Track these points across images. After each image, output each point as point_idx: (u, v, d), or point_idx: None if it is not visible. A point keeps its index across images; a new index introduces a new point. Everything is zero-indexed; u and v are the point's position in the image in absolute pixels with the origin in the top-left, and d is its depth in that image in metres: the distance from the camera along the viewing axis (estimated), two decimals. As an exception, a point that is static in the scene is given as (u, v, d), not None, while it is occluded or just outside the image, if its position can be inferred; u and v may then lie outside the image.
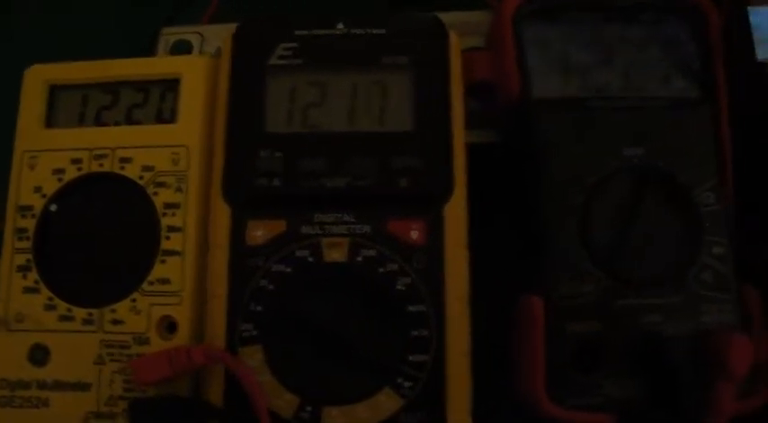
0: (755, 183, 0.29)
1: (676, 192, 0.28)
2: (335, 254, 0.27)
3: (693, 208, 0.28)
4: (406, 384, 0.26)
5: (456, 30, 0.30)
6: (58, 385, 0.28)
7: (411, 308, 0.27)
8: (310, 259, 0.27)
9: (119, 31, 0.37)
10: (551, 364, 0.26)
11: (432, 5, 0.30)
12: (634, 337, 0.27)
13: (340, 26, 0.29)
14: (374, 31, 0.29)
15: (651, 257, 0.27)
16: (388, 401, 0.26)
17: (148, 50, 0.34)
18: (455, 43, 0.29)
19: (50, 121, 0.30)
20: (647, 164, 0.28)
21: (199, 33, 0.33)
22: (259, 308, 0.27)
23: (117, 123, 0.30)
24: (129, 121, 0.30)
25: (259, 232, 0.28)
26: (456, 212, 0.28)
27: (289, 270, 0.27)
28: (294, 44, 0.29)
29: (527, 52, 0.29)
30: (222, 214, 0.28)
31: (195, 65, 0.30)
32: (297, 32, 0.29)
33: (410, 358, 0.26)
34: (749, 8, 0.30)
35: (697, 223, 0.28)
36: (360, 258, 0.27)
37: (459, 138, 0.28)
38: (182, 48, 0.33)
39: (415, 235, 0.27)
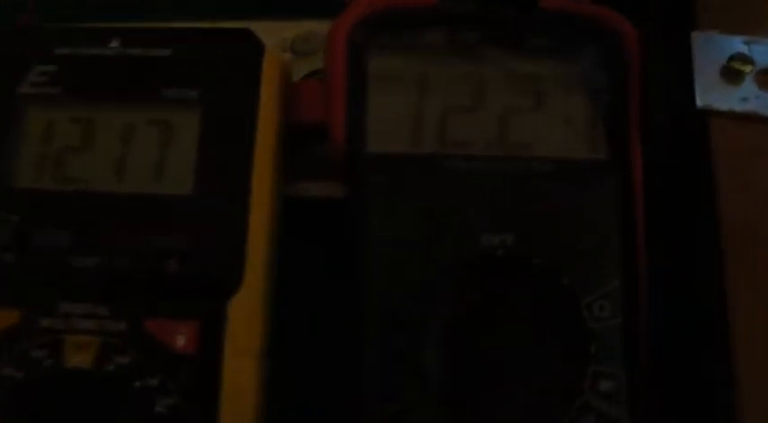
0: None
1: (558, 302, 0.20)
2: (80, 357, 0.20)
3: (579, 324, 0.20)
4: None
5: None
6: None
7: (172, 439, 0.20)
8: (48, 363, 0.21)
9: None
10: None
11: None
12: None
13: (114, 44, 0.22)
14: (157, 53, 0.21)
15: (504, 396, 0.19)
16: None
17: None
18: (273, 67, 0.21)
19: None
20: (515, 257, 0.20)
21: None
22: (-19, 421, 0.21)
23: None
24: None
25: (-16, 324, 0.21)
26: (245, 310, 0.20)
27: (20, 376, 0.21)
28: (53, 67, 0.22)
29: (367, 89, 0.21)
30: (-55, 296, 0.21)
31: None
32: (57, 51, 0.22)
33: None
34: (694, 34, 0.21)
35: (581, 347, 0.20)
36: (111, 366, 0.20)
37: (262, 203, 0.21)
38: None
39: (181, 341, 0.20)
